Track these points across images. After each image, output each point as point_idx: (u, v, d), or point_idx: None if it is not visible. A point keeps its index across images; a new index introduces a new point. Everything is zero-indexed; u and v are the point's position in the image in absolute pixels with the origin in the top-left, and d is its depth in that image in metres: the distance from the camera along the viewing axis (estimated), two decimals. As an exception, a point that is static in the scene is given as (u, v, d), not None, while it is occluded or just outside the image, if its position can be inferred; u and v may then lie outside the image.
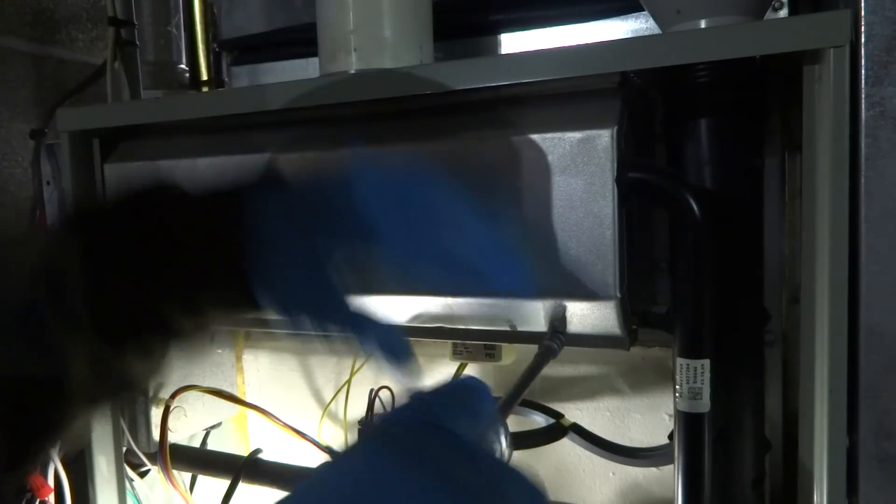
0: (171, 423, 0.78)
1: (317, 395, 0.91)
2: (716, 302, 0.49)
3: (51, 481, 0.72)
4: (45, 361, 0.39)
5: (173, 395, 0.78)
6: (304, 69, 0.84)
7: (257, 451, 0.75)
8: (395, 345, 0.39)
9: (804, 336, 0.46)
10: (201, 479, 0.83)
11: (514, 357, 0.72)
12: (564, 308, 0.51)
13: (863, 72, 0.42)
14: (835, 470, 0.44)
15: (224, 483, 0.74)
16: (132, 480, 0.78)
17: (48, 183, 0.84)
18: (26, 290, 0.40)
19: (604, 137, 0.47)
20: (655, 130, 0.59)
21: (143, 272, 0.40)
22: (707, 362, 0.48)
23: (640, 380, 0.78)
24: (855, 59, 0.42)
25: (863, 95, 0.42)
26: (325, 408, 0.87)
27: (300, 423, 0.80)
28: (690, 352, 0.48)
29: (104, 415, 0.44)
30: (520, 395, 0.42)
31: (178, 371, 0.80)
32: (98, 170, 0.68)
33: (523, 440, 0.69)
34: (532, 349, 0.53)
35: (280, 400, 0.92)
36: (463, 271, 0.39)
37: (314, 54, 0.62)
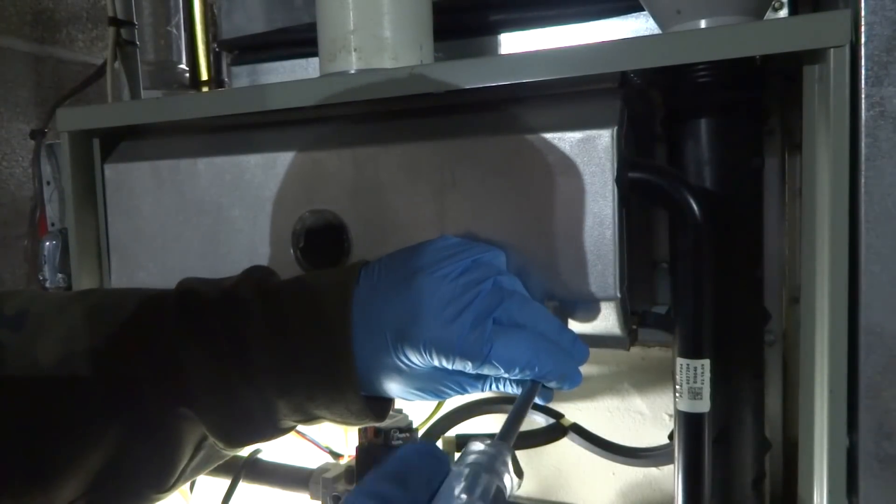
0: (171, 423, 0.77)
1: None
2: (716, 302, 0.49)
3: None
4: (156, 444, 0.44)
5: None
6: (304, 69, 0.84)
7: (257, 451, 0.75)
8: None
9: (804, 336, 0.46)
10: (201, 478, 0.83)
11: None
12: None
13: (863, 72, 0.42)
14: (835, 470, 0.44)
15: (224, 483, 0.74)
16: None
17: (48, 183, 0.84)
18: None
19: (604, 137, 0.47)
20: (655, 130, 0.59)
21: (263, 377, 0.43)
22: (707, 362, 0.48)
23: (640, 380, 0.78)
24: (855, 59, 0.42)
25: (863, 95, 0.42)
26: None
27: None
28: (690, 352, 0.48)
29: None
30: (523, 415, 0.42)
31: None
32: (98, 170, 0.68)
33: (523, 440, 0.69)
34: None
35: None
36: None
37: (314, 54, 0.62)
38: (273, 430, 0.45)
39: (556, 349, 0.43)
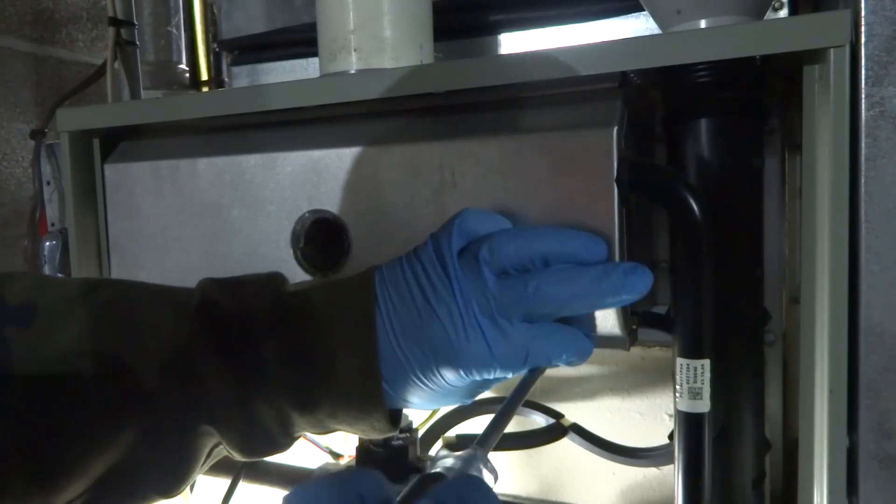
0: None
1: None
2: (716, 302, 0.49)
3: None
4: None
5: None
6: (304, 69, 0.84)
7: (257, 451, 0.75)
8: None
9: (804, 336, 0.46)
10: (201, 478, 0.83)
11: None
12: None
13: (863, 72, 0.42)
14: (835, 470, 0.44)
15: (224, 483, 0.74)
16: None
17: (48, 183, 0.84)
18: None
19: (604, 137, 0.47)
20: (655, 130, 0.59)
21: (285, 399, 0.43)
22: (707, 362, 0.48)
23: (640, 380, 0.78)
24: (855, 59, 0.42)
25: (863, 95, 0.42)
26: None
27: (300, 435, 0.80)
28: (690, 352, 0.48)
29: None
30: (505, 421, 0.43)
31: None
32: (98, 170, 0.68)
33: (523, 440, 0.69)
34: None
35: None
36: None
37: (314, 54, 0.62)
38: (290, 442, 0.46)
39: (578, 333, 0.44)
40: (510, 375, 0.43)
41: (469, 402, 0.46)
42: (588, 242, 0.44)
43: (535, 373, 0.44)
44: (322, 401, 0.43)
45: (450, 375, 0.42)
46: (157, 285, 0.48)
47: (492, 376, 0.42)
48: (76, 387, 0.42)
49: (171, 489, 0.45)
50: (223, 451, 0.46)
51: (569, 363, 0.44)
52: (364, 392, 0.42)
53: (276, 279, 0.47)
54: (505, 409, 0.43)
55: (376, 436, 0.45)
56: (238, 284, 0.46)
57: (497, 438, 0.42)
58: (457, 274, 0.42)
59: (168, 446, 0.43)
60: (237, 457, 0.45)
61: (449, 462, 0.37)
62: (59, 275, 0.79)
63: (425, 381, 0.42)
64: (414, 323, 0.42)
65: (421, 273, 0.43)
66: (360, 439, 0.62)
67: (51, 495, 0.42)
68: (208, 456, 0.46)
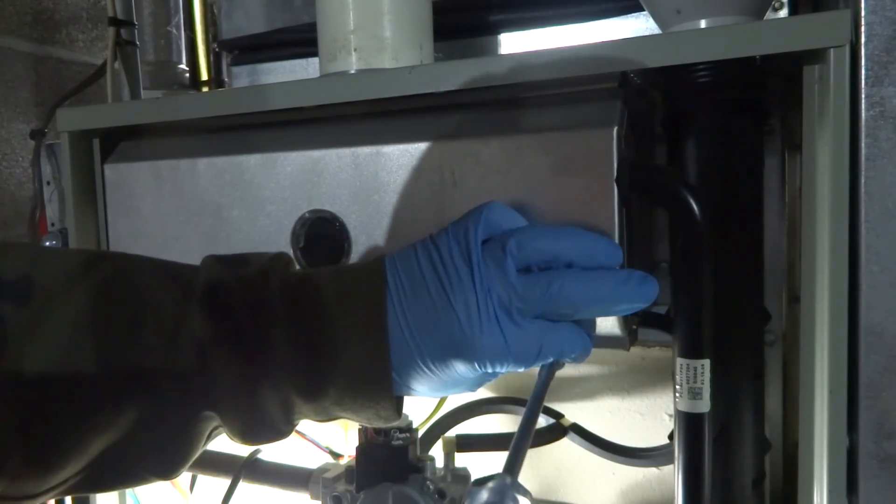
0: (171, 423, 0.77)
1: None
2: (716, 302, 0.49)
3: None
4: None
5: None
6: (304, 69, 0.84)
7: (257, 451, 0.75)
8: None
9: (804, 336, 0.46)
10: (201, 478, 0.83)
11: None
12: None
13: (863, 72, 0.42)
14: (835, 470, 0.44)
15: (224, 483, 0.74)
16: (132, 480, 0.77)
17: (48, 183, 0.84)
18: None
19: (604, 137, 0.47)
20: (655, 130, 0.59)
21: (292, 385, 0.42)
22: (707, 362, 0.48)
23: (640, 380, 0.78)
24: (855, 59, 0.42)
25: (863, 95, 0.42)
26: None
27: (300, 423, 0.80)
28: (690, 352, 0.48)
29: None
30: (528, 439, 0.42)
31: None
32: (98, 170, 0.68)
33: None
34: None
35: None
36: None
37: (314, 54, 0.62)
38: (290, 429, 0.45)
39: (581, 329, 0.44)
40: (522, 369, 0.42)
41: (475, 390, 0.46)
42: (609, 248, 0.43)
43: (548, 379, 0.44)
44: (329, 388, 0.42)
45: (461, 366, 0.41)
46: (159, 261, 0.46)
47: (504, 369, 0.42)
48: (74, 368, 0.41)
49: (170, 471, 0.45)
50: (223, 431, 0.45)
51: (573, 360, 0.44)
52: (372, 380, 0.42)
53: (281, 260, 0.46)
54: (523, 428, 0.42)
55: (381, 424, 0.44)
56: (243, 263, 0.45)
57: (523, 460, 0.41)
58: (480, 264, 0.42)
59: (168, 430, 0.43)
60: (237, 442, 0.44)
61: (484, 497, 0.37)
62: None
63: (435, 370, 0.42)
64: (427, 311, 0.41)
65: (438, 261, 0.42)
66: (360, 440, 0.62)
67: (48, 474, 0.41)
68: (208, 438, 0.45)
